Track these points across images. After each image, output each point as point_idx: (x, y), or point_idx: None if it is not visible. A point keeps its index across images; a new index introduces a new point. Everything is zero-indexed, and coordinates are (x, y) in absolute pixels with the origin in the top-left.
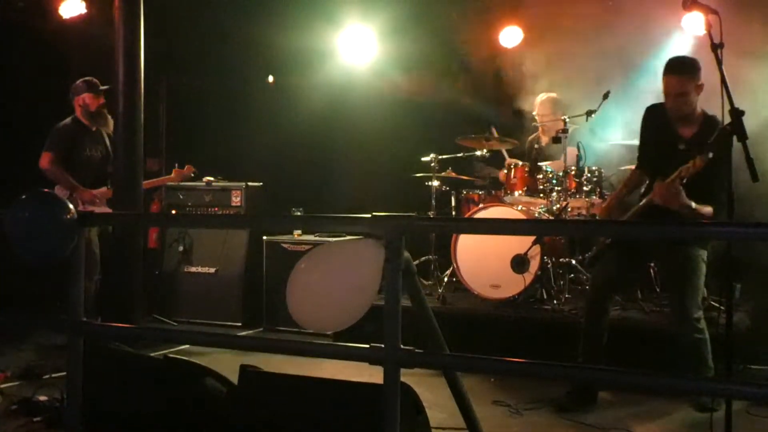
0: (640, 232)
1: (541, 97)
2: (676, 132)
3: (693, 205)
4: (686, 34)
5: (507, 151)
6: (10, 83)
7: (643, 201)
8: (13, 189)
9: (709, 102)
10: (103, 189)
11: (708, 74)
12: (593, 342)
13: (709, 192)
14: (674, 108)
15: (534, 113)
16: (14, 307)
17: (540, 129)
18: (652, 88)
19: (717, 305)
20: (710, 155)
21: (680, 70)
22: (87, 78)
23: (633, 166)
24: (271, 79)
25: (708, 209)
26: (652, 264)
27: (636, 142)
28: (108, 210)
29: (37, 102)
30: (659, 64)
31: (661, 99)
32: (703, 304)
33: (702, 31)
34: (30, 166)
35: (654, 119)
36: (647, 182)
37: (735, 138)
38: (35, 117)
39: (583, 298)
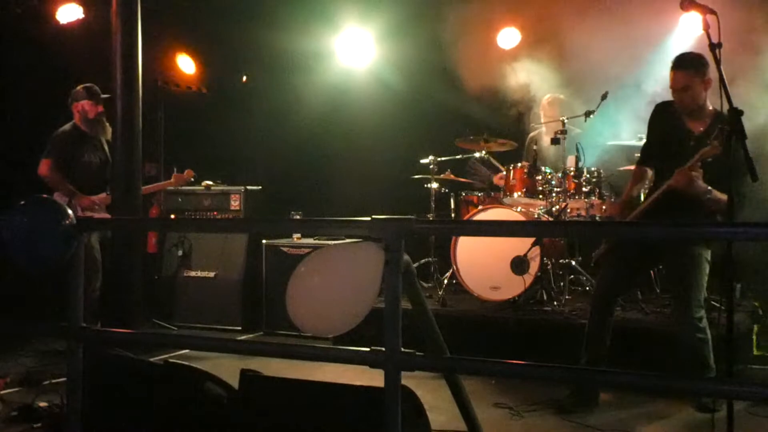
0: (641, 233)
1: (547, 97)
2: (686, 127)
3: (710, 189)
4: (684, 35)
5: (506, 152)
6: (8, 89)
7: (660, 189)
8: (11, 195)
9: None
10: (102, 195)
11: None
12: (598, 344)
13: (723, 182)
14: (679, 102)
15: (540, 112)
16: (14, 313)
17: (533, 125)
18: (650, 89)
19: (717, 305)
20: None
21: (684, 64)
22: (87, 85)
23: (632, 167)
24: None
25: (723, 197)
26: (659, 266)
27: (634, 142)
28: (107, 216)
29: (35, 107)
30: (657, 65)
31: (660, 98)
32: (705, 305)
33: (700, 31)
34: (28, 172)
35: (663, 115)
36: (652, 178)
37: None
38: (33, 122)
39: (583, 299)
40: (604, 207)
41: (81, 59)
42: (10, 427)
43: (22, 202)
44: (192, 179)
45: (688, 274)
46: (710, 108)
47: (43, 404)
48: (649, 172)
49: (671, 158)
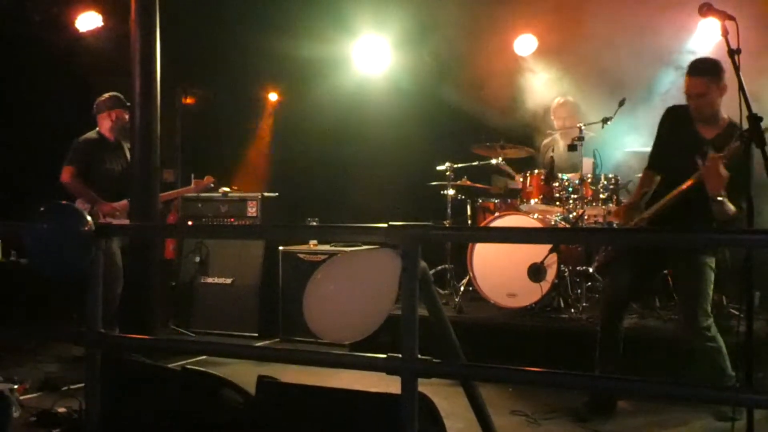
0: (657, 240)
1: (558, 100)
2: (698, 133)
3: (724, 193)
4: (703, 41)
5: (521, 159)
6: (28, 97)
7: (681, 187)
8: (31, 203)
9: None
10: (124, 202)
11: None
12: (610, 352)
13: (733, 191)
14: (695, 108)
15: (551, 117)
16: (33, 319)
17: (549, 132)
18: (668, 95)
19: (737, 313)
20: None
21: (699, 70)
22: (114, 93)
23: None
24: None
25: (732, 207)
26: (667, 272)
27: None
28: (128, 222)
29: (55, 115)
30: (675, 71)
31: (676, 103)
32: (723, 312)
33: (719, 37)
34: (48, 180)
35: (675, 120)
36: (658, 182)
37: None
38: (53, 130)
39: (600, 307)
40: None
41: (100, 67)
42: (30, 431)
43: (42, 209)
44: (212, 185)
45: (692, 282)
46: (724, 116)
47: (61, 410)
48: (657, 177)
49: (681, 164)
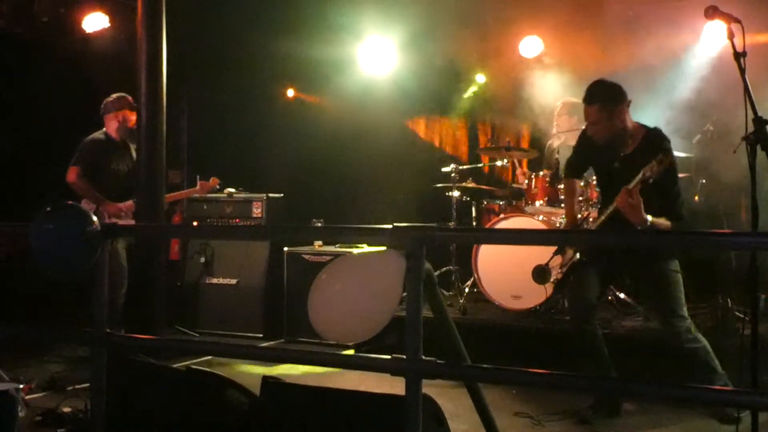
0: (661, 242)
1: (563, 101)
2: (616, 150)
3: (650, 219)
4: (709, 44)
5: (528, 161)
6: (34, 98)
7: (608, 211)
8: (37, 203)
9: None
10: (129, 202)
11: (732, 81)
12: (597, 359)
13: (665, 204)
14: (592, 134)
15: (556, 119)
16: (39, 319)
17: (555, 134)
18: (673, 97)
19: (742, 316)
20: (666, 163)
21: (588, 98)
22: (122, 94)
23: None
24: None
25: (666, 222)
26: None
27: None
28: (133, 222)
29: (61, 115)
30: (682, 73)
31: (683, 107)
32: (728, 315)
33: (725, 39)
34: (54, 180)
35: (588, 142)
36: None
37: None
38: (60, 130)
39: (604, 309)
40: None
41: (106, 68)
42: (35, 431)
43: (48, 209)
44: (217, 187)
45: (662, 290)
46: (636, 126)
47: (67, 409)
48: (579, 183)
49: (606, 181)
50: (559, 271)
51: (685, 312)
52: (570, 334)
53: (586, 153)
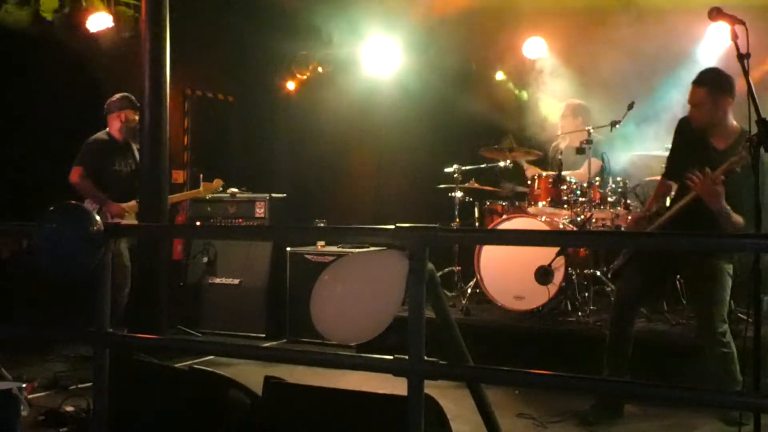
0: (665, 244)
1: (567, 103)
2: (710, 143)
3: (729, 209)
4: (712, 45)
5: (531, 162)
6: (38, 97)
7: (684, 199)
8: (41, 203)
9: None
10: (132, 202)
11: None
12: (619, 356)
13: (738, 202)
14: (691, 117)
15: (560, 120)
16: (42, 318)
17: (560, 135)
18: (677, 99)
19: (745, 317)
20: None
21: (700, 81)
22: (125, 94)
23: (658, 177)
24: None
25: (740, 219)
26: (678, 276)
27: (660, 152)
28: (136, 222)
29: (65, 115)
30: (685, 75)
31: (686, 109)
32: (731, 317)
33: (728, 41)
34: (57, 180)
35: (686, 129)
36: (676, 190)
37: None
38: (63, 130)
39: (607, 310)
40: (629, 217)
41: (110, 67)
42: (37, 430)
43: (51, 209)
44: (220, 188)
45: (708, 289)
46: (734, 125)
47: (69, 409)
48: (673, 186)
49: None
50: (620, 260)
51: (725, 316)
52: (601, 327)
53: (681, 146)
